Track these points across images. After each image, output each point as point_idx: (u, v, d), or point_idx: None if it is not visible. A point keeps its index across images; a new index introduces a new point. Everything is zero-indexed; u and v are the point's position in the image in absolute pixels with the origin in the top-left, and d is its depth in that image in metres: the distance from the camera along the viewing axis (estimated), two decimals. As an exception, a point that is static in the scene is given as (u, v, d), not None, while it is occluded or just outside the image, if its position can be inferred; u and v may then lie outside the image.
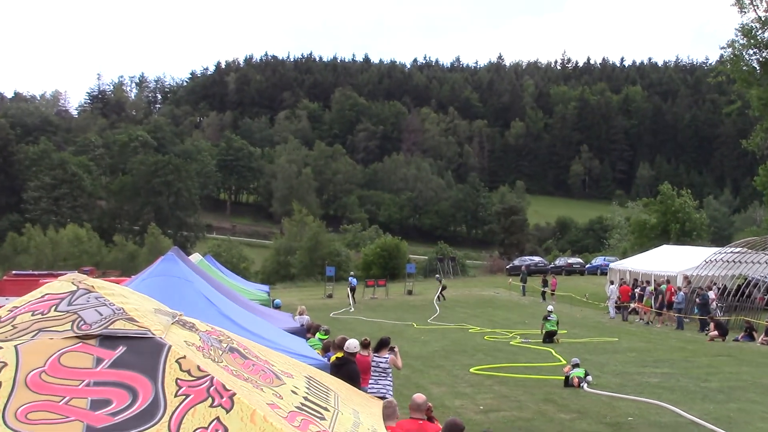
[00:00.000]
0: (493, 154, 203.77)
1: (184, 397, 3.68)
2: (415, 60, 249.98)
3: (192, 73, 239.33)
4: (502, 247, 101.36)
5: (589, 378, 20.84)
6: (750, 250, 39.03)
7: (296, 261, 79.65)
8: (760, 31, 48.66)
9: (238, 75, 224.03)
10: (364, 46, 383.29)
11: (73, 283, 4.23)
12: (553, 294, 48.69)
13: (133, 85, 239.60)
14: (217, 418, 3.64)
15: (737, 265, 38.25)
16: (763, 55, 49.10)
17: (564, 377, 21.03)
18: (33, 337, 3.85)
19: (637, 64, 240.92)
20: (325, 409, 4.54)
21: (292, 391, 4.42)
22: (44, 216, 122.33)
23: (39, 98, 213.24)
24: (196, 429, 3.59)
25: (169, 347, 3.89)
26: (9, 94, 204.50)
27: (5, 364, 3.68)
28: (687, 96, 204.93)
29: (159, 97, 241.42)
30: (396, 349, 15.80)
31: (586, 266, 72.58)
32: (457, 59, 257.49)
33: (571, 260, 76.53)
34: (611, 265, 52.30)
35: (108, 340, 3.85)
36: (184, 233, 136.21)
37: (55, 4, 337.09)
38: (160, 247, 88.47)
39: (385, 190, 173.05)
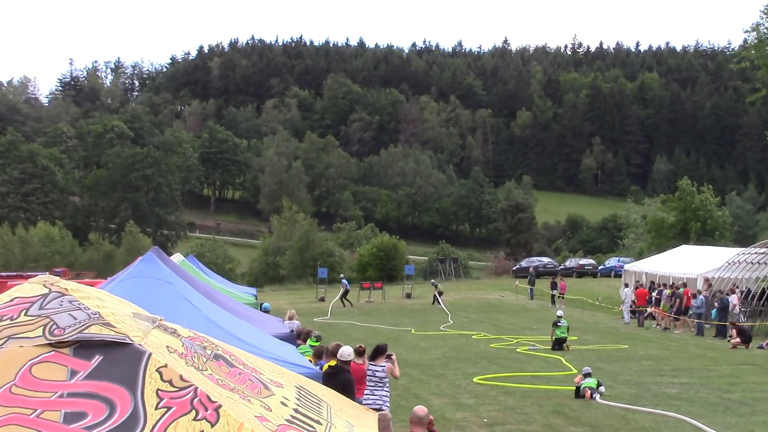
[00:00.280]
0: (498, 147, 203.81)
1: (165, 409, 3.68)
2: (413, 44, 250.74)
3: (172, 59, 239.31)
4: (508, 247, 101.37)
5: (602, 389, 20.84)
6: (776, 251, 39.02)
7: (286, 262, 79.61)
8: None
9: (222, 60, 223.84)
10: (358, 30, 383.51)
11: (44, 285, 4.22)
12: (562, 297, 48.70)
13: (109, 71, 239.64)
14: (202, 432, 3.64)
15: (762, 267, 38.23)
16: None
17: (575, 388, 21.03)
18: (2, 345, 3.84)
19: (654, 48, 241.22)
20: (317, 422, 4.54)
21: (282, 403, 4.42)
22: (12, 213, 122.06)
23: (6, 85, 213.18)
24: (179, 444, 3.59)
25: (149, 355, 3.88)
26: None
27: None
28: (707, 83, 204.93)
29: (136, 84, 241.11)
30: (393, 357, 15.78)
31: (599, 268, 72.59)
32: (459, 43, 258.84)
33: (583, 261, 76.54)
34: (626, 266, 52.31)
35: (83, 349, 3.84)
36: (165, 232, 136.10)
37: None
38: (139, 247, 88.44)
39: (381, 186, 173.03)
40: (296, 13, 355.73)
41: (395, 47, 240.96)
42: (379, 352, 15.64)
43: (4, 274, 49.24)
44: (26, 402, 3.62)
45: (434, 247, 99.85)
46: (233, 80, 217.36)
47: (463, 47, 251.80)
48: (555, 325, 30.41)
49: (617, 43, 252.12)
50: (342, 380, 13.03)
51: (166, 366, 3.85)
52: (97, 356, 3.82)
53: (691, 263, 41.84)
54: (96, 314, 4.03)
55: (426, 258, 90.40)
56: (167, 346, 4.15)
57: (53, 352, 3.81)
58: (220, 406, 3.74)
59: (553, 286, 49.56)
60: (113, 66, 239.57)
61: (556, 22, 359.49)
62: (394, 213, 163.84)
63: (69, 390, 3.68)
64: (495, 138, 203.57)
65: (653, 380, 23.17)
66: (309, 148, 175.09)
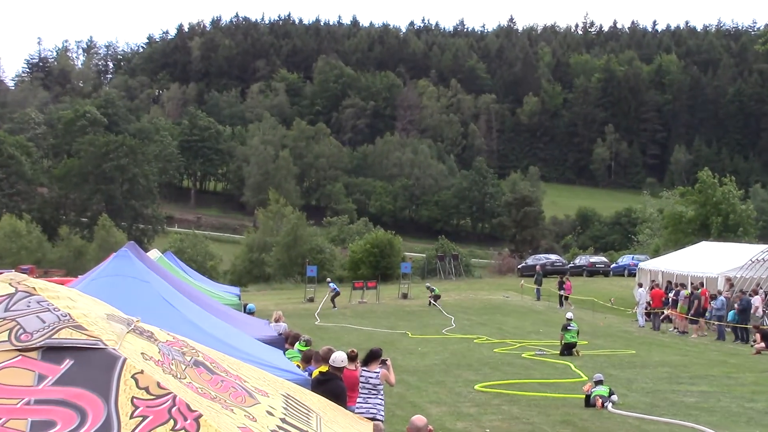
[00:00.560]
0: (503, 135, 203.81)
1: (141, 418, 3.68)
2: (411, 23, 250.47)
3: (149, 38, 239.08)
4: (513, 243, 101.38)
5: (614, 397, 20.88)
6: (804, 248, 39.06)
7: (272, 259, 79.62)
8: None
9: (203, 40, 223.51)
10: (351, 7, 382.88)
11: (10, 284, 4.22)
12: (567, 299, 48.70)
13: (80, 51, 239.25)
14: (180, 444, 3.65)
15: (788, 266, 38.29)
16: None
17: (585, 396, 21.06)
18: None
19: (672, 28, 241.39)
20: (306, 432, 4.55)
21: (268, 412, 4.43)
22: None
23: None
24: (156, 456, 3.59)
25: (124, 360, 3.88)
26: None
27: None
28: (730, 66, 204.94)
29: (110, 66, 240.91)
30: (388, 363, 15.79)
31: (612, 266, 72.64)
32: (461, 23, 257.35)
33: (594, 259, 76.55)
34: (641, 264, 52.32)
35: (52, 352, 3.84)
36: (141, 226, 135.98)
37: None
38: (113, 242, 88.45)
39: (376, 177, 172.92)
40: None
41: (391, 26, 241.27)
42: (372, 357, 15.64)
43: (-34, 271, 49.23)
44: (-10, 410, 3.61)
45: (433, 244, 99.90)
46: (215, 62, 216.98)
47: (465, 26, 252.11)
48: (565, 328, 30.38)
49: (632, 23, 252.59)
50: (333, 388, 13.03)
51: (142, 372, 3.85)
52: (68, 360, 3.82)
53: (712, 261, 41.83)
54: (66, 316, 4.02)
55: (424, 255, 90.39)
56: (142, 353, 4.14)
57: (20, 357, 3.81)
58: (200, 416, 3.74)
59: (561, 285, 49.60)
60: (85, 46, 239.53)
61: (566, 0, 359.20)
62: (389, 206, 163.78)
63: (36, 396, 3.68)
64: (499, 126, 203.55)
65: (670, 388, 23.22)
66: (298, 136, 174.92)
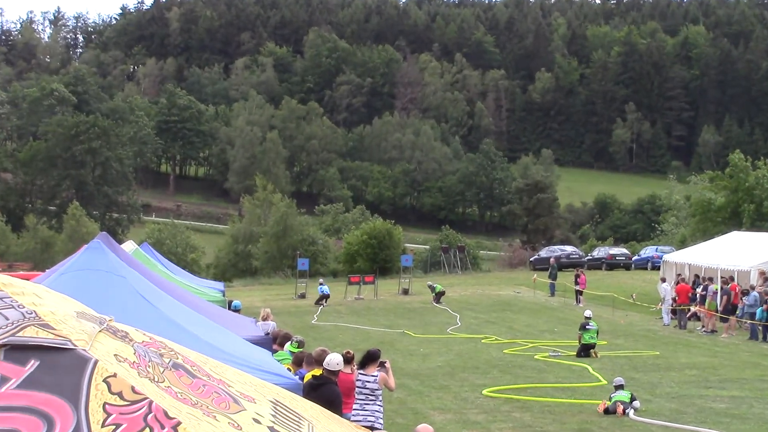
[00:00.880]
0: (514, 115, 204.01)
1: (114, 426, 3.66)
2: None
3: (123, 9, 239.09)
4: (524, 234, 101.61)
5: (636, 403, 20.88)
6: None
7: (259, 251, 79.72)
8: None
9: (182, 11, 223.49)
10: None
11: (-30, 279, 4.21)
12: (581, 294, 48.64)
13: (47, 23, 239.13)
14: (158, 454, 3.64)
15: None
16: None
17: (605, 402, 21.08)
18: None
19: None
20: (297, 442, 4.54)
21: (254, 420, 4.41)
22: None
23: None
24: (131, 467, 3.58)
25: (95, 362, 3.87)
26: None
27: None
28: (764, 38, 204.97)
29: (80, 39, 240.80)
30: (387, 365, 15.78)
31: (633, 258, 72.72)
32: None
33: (614, 251, 76.57)
34: (665, 257, 52.37)
35: (15, 352, 3.82)
36: (115, 215, 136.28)
37: None
38: (84, 233, 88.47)
39: (373, 161, 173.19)
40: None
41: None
42: (370, 359, 15.62)
43: None
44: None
45: (436, 234, 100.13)
46: (196, 35, 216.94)
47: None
48: (583, 327, 30.30)
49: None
50: (327, 393, 13.01)
51: (115, 375, 3.84)
52: (33, 361, 3.80)
53: (744, 253, 41.83)
54: (32, 313, 4.01)
55: (427, 247, 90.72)
56: (116, 355, 4.13)
57: (-21, 358, 3.80)
58: (179, 424, 3.72)
59: (577, 280, 49.57)
60: (52, 17, 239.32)
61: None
62: (388, 193, 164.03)
63: (-2, 403, 3.67)
64: (509, 104, 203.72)
65: (698, 393, 23.24)
66: (287, 116, 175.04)
